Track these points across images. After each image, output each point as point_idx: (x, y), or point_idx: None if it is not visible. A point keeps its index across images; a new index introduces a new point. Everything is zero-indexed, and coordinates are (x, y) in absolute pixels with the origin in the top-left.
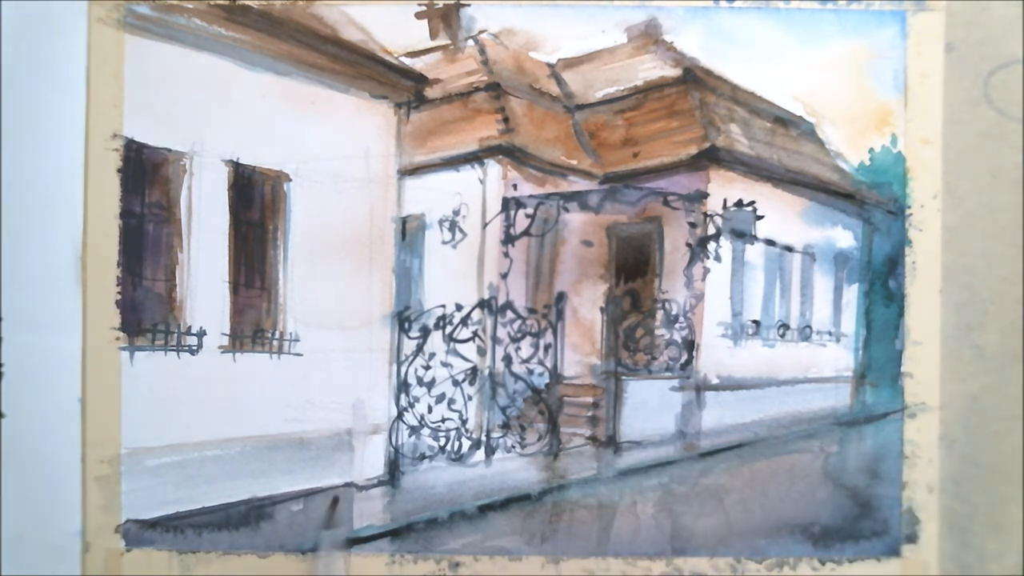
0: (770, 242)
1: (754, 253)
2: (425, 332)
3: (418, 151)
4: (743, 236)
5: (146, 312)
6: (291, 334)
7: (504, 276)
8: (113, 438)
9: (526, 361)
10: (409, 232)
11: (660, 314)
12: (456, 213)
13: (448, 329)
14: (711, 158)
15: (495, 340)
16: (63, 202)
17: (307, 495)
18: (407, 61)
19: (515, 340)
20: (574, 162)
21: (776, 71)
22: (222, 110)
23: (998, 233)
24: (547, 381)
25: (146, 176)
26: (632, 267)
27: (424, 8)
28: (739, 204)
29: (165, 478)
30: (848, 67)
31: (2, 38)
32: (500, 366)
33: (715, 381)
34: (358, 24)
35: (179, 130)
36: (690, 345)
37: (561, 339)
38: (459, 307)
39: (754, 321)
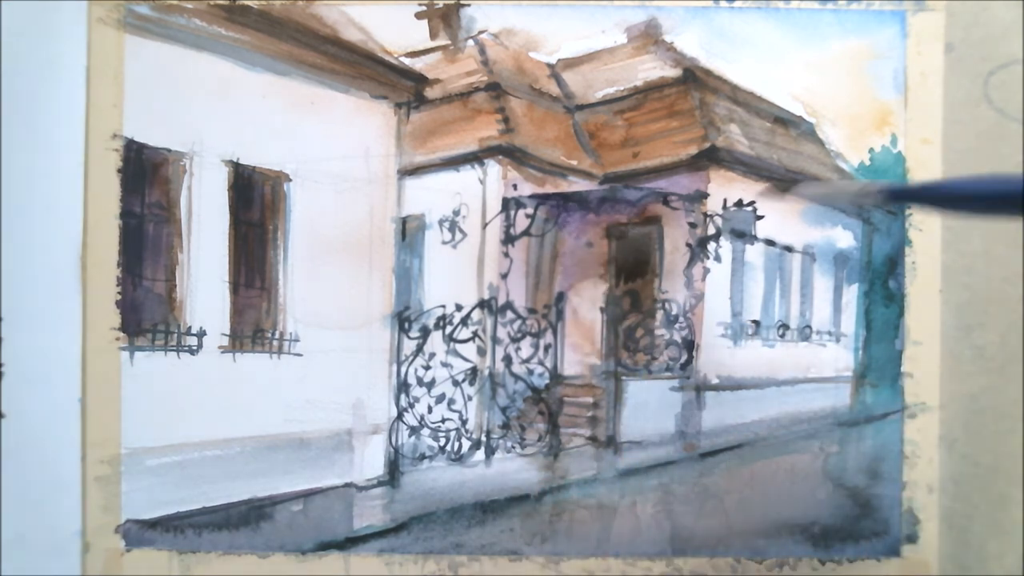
0: (770, 242)
1: (754, 253)
2: (425, 332)
3: (418, 151)
4: (743, 236)
5: (146, 312)
6: (291, 334)
7: (504, 276)
8: (113, 438)
9: (526, 361)
10: (409, 232)
11: (660, 314)
12: (456, 213)
13: (448, 329)
14: (711, 158)
15: (495, 340)
16: (63, 202)
17: (307, 495)
18: (407, 61)
19: (515, 340)
20: (574, 162)
21: (776, 71)
22: (222, 110)
23: (998, 233)
24: (547, 381)
25: (146, 176)
26: (632, 267)
27: (424, 8)
28: (739, 204)
29: (165, 478)
30: (848, 67)
31: (2, 38)
32: (500, 366)
33: (715, 381)
34: (358, 24)
35: (179, 130)
36: (690, 345)
37: (561, 339)
38: (459, 307)
39: (754, 321)
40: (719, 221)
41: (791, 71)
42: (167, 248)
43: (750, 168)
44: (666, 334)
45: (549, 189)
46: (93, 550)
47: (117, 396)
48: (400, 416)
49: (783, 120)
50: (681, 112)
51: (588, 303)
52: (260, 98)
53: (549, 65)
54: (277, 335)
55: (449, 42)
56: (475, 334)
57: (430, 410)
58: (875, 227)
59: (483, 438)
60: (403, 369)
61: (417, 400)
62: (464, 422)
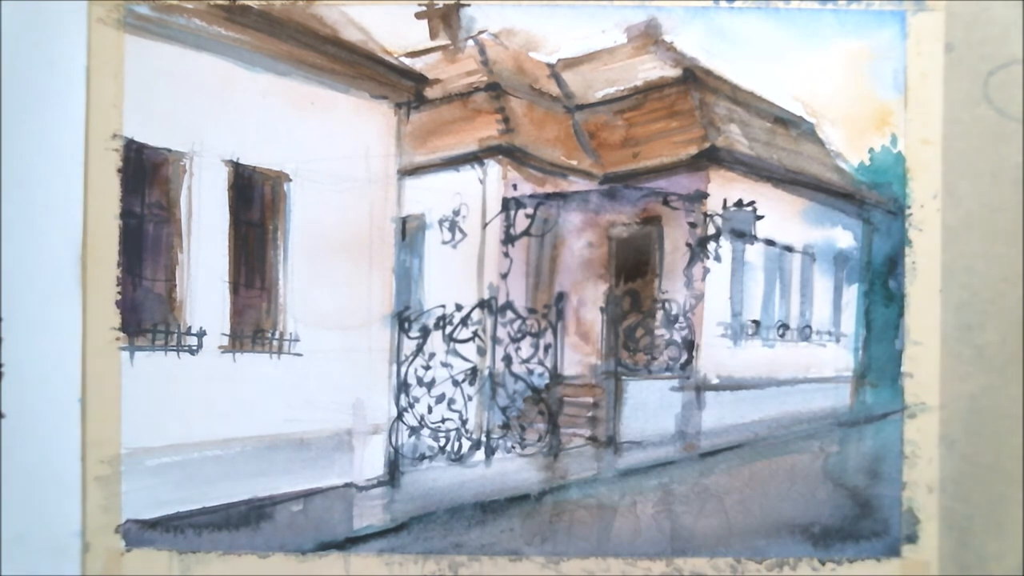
0: (770, 242)
1: (754, 253)
2: (425, 332)
3: (418, 151)
4: (743, 236)
5: (146, 312)
6: (291, 334)
7: (504, 276)
8: (113, 438)
9: (526, 361)
10: (409, 232)
11: (660, 314)
12: (456, 213)
13: (448, 329)
14: (711, 158)
15: (495, 340)
16: (63, 202)
17: (307, 495)
18: (407, 61)
19: (515, 340)
20: (574, 162)
21: (776, 71)
22: (222, 110)
23: (998, 233)
24: (547, 381)
25: (146, 176)
26: (632, 267)
27: (424, 8)
28: (739, 204)
29: (165, 478)
30: (848, 67)
31: (2, 38)
32: (500, 366)
33: (715, 381)
34: (358, 24)
35: (179, 130)
36: (690, 345)
37: (561, 339)
38: (459, 307)
39: (754, 321)
40: (719, 221)
41: (791, 71)
42: (167, 248)
43: (750, 168)
44: (666, 334)
45: (549, 189)
46: (93, 550)
47: (117, 396)
48: (400, 416)
49: (783, 120)
50: (681, 112)
51: (588, 303)
52: (260, 98)
53: (549, 65)
54: (277, 335)
55: (449, 42)
56: (475, 334)
57: (430, 410)
58: (875, 227)
59: (483, 438)
60: (403, 369)
61: (417, 400)
62: (464, 422)
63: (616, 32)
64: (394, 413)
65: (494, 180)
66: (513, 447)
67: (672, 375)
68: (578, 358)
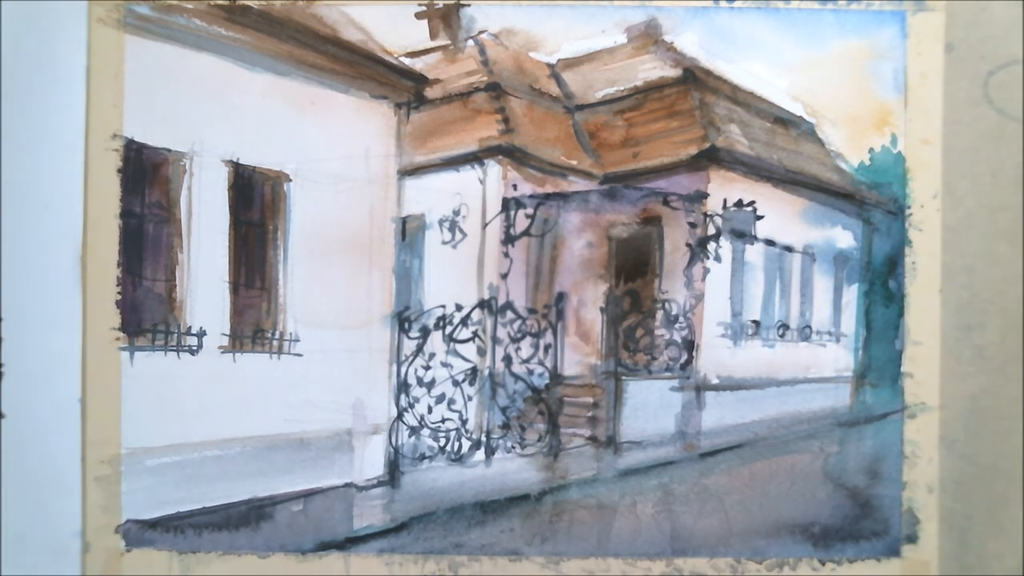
0: (770, 242)
1: (754, 253)
2: (425, 332)
3: (418, 151)
4: (743, 236)
5: (146, 312)
6: (291, 334)
7: (504, 276)
8: (113, 438)
9: (526, 361)
10: (409, 232)
11: (660, 314)
12: (456, 213)
13: (448, 329)
14: (711, 158)
15: (495, 340)
16: (63, 202)
17: (307, 495)
18: (407, 61)
19: (515, 340)
20: (574, 162)
21: (776, 71)
22: (222, 110)
23: (998, 233)
24: (547, 381)
25: (146, 176)
26: (632, 267)
27: (424, 8)
28: (739, 204)
29: (165, 478)
30: (848, 67)
31: (2, 38)
32: (500, 366)
33: (715, 381)
34: (358, 24)
35: (179, 130)
36: (690, 345)
37: (561, 339)
38: (459, 307)
39: (754, 321)
40: (719, 221)
41: (791, 71)
42: (167, 248)
43: (750, 168)
44: (666, 334)
45: (549, 189)
46: (93, 550)
47: (117, 396)
48: (400, 416)
49: (783, 120)
50: (681, 112)
51: (588, 303)
52: (260, 98)
53: (549, 65)
54: (277, 335)
55: (449, 42)
56: (475, 334)
57: (430, 410)
58: (875, 227)
59: (483, 438)
60: (403, 369)
61: (417, 400)
62: (464, 422)
63: (616, 32)
64: (394, 413)
65: (494, 180)
66: (513, 447)
67: (672, 375)
68: (578, 358)
